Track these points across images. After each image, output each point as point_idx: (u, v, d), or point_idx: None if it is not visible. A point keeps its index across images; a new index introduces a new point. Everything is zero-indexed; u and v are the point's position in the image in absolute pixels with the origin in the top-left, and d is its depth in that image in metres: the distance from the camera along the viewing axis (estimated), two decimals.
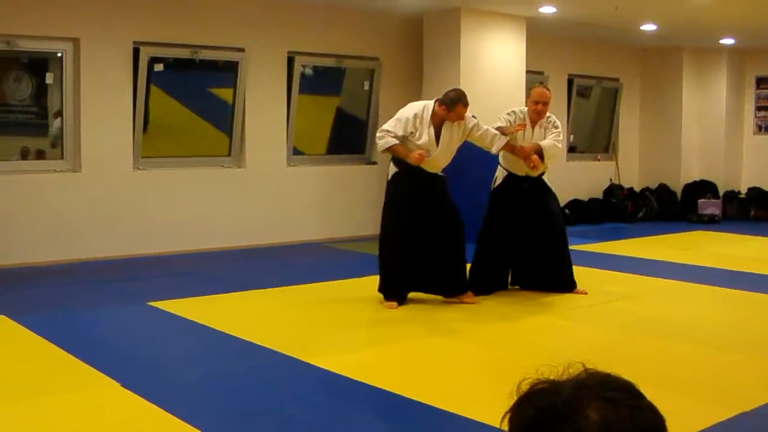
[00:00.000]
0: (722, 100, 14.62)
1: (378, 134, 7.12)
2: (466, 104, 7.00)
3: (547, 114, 7.58)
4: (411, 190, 7.04)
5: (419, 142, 6.95)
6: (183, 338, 6.20)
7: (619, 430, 1.11)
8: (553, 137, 7.48)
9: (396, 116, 7.12)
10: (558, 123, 7.65)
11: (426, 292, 7.27)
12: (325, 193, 11.01)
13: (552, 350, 5.72)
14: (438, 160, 7.06)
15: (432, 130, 6.98)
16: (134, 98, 9.38)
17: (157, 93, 9.89)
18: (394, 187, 7.16)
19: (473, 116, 7.17)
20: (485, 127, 7.23)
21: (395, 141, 6.95)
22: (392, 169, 7.15)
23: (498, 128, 7.31)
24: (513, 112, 7.60)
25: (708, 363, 5.62)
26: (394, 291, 7.12)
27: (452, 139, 7.08)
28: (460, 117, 7.00)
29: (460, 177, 8.11)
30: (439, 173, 7.18)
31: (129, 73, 9.29)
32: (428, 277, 7.20)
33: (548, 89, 7.70)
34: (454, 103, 6.95)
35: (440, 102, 7.00)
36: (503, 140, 7.26)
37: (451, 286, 7.24)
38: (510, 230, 7.61)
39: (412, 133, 6.96)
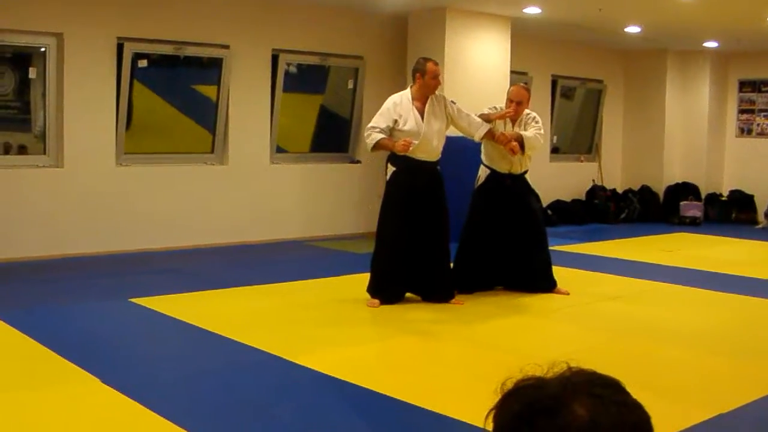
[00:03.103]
0: (705, 103, 14.69)
1: (365, 134, 7.12)
2: (435, 62, 7.12)
3: (527, 111, 7.61)
4: (409, 188, 7.02)
5: (406, 128, 6.94)
6: (165, 335, 6.18)
7: (606, 426, 1.11)
8: (535, 130, 7.51)
9: (378, 113, 7.15)
10: (538, 118, 7.69)
11: (414, 292, 7.27)
12: (308, 192, 11.00)
13: (534, 350, 5.74)
14: (428, 142, 7.02)
15: (415, 112, 7.00)
16: (117, 94, 9.33)
17: (140, 89, 9.85)
18: (392, 186, 7.13)
19: (453, 101, 7.21)
20: (468, 112, 7.26)
21: (381, 135, 6.94)
22: (390, 168, 7.13)
23: (481, 115, 7.35)
24: (495, 107, 7.62)
25: (688, 364, 5.65)
26: (380, 291, 7.11)
27: (437, 118, 7.08)
28: (436, 77, 7.05)
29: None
30: (437, 166, 7.17)
31: (113, 69, 9.25)
32: (417, 280, 7.21)
33: (527, 89, 7.73)
34: (423, 65, 7.04)
35: (412, 76, 7.10)
36: (486, 127, 7.29)
37: (438, 293, 7.24)
38: (493, 229, 7.62)
39: (396, 121, 6.96)
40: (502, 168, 7.56)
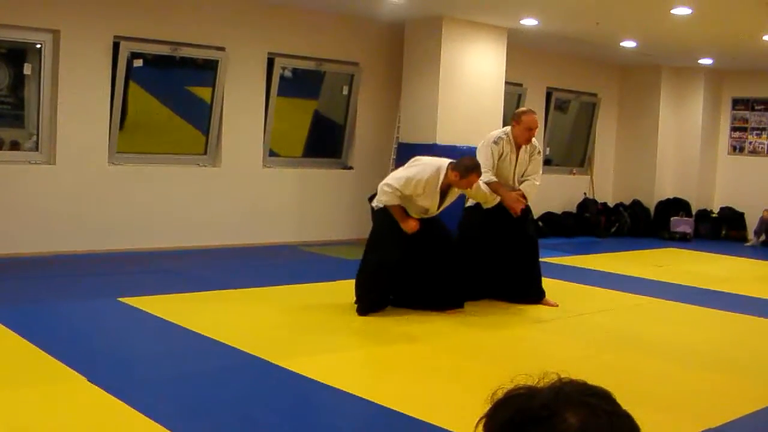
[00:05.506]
0: (698, 120, 14.74)
1: (385, 188, 6.92)
2: (479, 174, 6.95)
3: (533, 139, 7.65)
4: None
5: (420, 203, 6.95)
6: (152, 335, 6.17)
7: None
8: (535, 175, 7.60)
9: (407, 172, 6.99)
10: (540, 148, 7.76)
11: (413, 307, 7.23)
12: (299, 196, 10.99)
13: (523, 361, 5.74)
14: (429, 217, 7.11)
15: (438, 196, 6.95)
16: (112, 93, 9.32)
17: (135, 89, 9.84)
18: (384, 215, 7.11)
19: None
20: (480, 183, 7.20)
21: (396, 202, 6.89)
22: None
23: (489, 183, 7.34)
24: (500, 138, 7.52)
25: (676, 379, 5.66)
26: (369, 310, 7.07)
27: (451, 198, 7.11)
28: (470, 186, 6.97)
29: None
30: None
31: (108, 68, 9.24)
32: (419, 292, 7.21)
33: (535, 112, 7.73)
34: (468, 172, 6.83)
35: (453, 167, 6.86)
36: (496, 200, 7.39)
37: (447, 300, 7.26)
38: (486, 244, 7.63)
39: (413, 196, 6.92)
40: None
